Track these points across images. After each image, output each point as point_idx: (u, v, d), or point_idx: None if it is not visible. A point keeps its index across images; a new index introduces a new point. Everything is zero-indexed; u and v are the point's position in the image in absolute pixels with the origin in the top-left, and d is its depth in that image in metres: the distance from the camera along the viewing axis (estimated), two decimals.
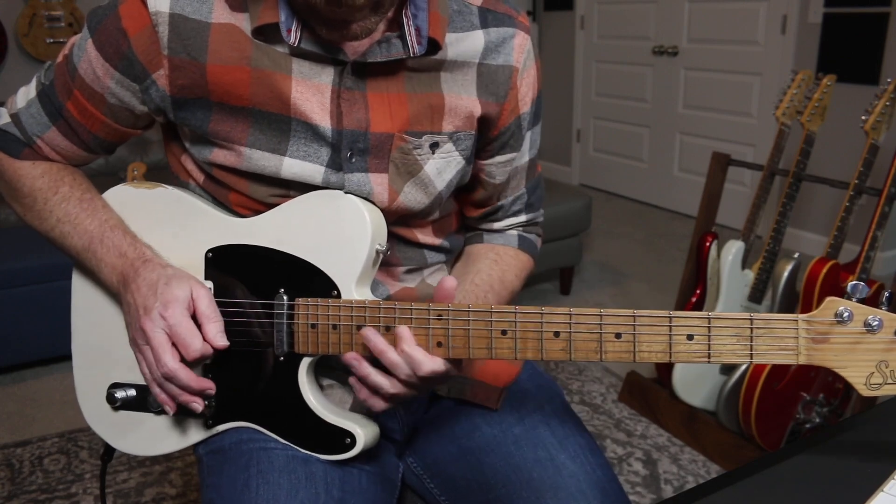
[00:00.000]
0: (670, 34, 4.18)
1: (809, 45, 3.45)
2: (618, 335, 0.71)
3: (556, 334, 0.72)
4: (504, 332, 0.73)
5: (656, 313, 0.70)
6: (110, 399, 0.90)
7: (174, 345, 0.79)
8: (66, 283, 0.95)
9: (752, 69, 3.76)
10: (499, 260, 0.97)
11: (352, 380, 0.80)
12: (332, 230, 0.81)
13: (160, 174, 0.98)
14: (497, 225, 1.01)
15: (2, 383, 2.48)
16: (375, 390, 0.78)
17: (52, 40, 3.63)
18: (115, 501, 1.87)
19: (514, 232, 1.02)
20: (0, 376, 2.51)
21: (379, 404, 0.79)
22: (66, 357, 2.52)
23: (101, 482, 1.05)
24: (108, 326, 0.92)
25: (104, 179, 1.21)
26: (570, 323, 0.72)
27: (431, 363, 0.75)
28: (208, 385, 0.81)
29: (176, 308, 0.78)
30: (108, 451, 1.00)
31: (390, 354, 0.76)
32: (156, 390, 0.83)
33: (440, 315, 0.75)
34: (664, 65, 4.26)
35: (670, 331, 0.70)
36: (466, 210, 1.00)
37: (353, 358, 0.78)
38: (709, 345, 0.69)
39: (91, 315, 0.94)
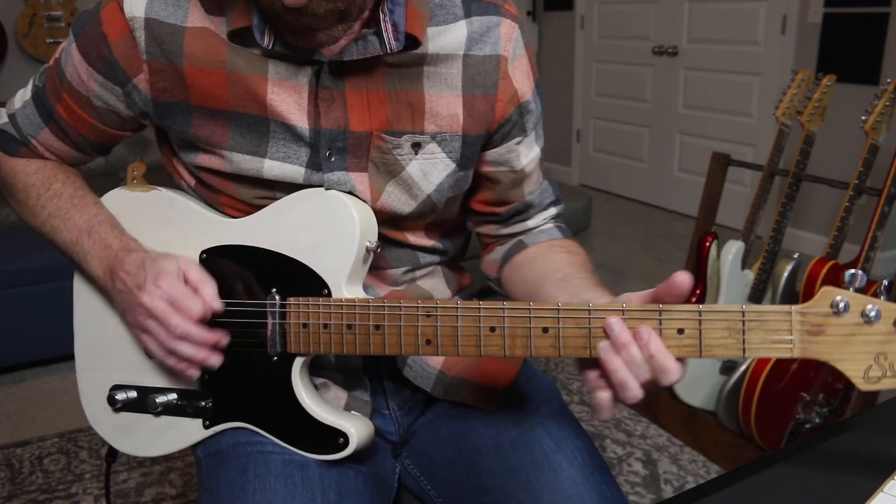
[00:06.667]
0: (670, 34, 4.18)
1: (809, 45, 3.45)
2: None
3: (545, 330, 0.71)
4: (493, 329, 0.72)
5: (647, 307, 0.67)
6: (111, 400, 0.90)
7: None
8: (65, 283, 0.96)
9: (752, 69, 3.76)
10: (570, 251, 0.92)
11: (593, 379, 0.71)
12: (322, 229, 0.81)
13: (160, 174, 0.98)
14: (531, 223, 0.97)
15: (2, 383, 2.48)
16: (621, 389, 0.68)
17: (52, 40, 3.63)
18: (114, 501, 1.86)
19: (550, 225, 0.98)
20: (0, 376, 2.51)
21: (608, 413, 0.70)
22: (66, 357, 2.53)
23: (106, 482, 1.06)
24: (108, 329, 0.92)
25: (104, 179, 1.21)
26: (558, 318, 0.70)
27: (679, 373, 0.67)
28: (221, 336, 0.81)
29: (169, 277, 0.79)
30: (112, 451, 1.00)
31: (633, 350, 0.67)
32: (171, 362, 0.81)
33: (429, 313, 0.74)
34: (664, 65, 4.26)
35: (660, 325, 0.67)
36: (490, 209, 0.95)
37: (607, 349, 0.68)
38: (700, 339, 0.66)
39: (92, 317, 0.94)
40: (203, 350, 0.80)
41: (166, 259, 0.81)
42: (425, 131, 0.84)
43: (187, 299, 0.78)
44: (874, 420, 0.83)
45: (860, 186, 1.86)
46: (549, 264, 0.89)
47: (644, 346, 0.67)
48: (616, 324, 0.68)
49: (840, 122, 2.92)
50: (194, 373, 0.82)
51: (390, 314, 0.76)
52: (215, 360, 0.81)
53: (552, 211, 0.99)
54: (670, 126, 4.31)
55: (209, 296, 0.80)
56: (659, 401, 2.18)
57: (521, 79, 0.87)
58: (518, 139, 0.90)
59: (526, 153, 0.92)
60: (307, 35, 0.77)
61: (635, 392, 0.68)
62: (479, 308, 0.72)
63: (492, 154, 0.90)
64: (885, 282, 0.66)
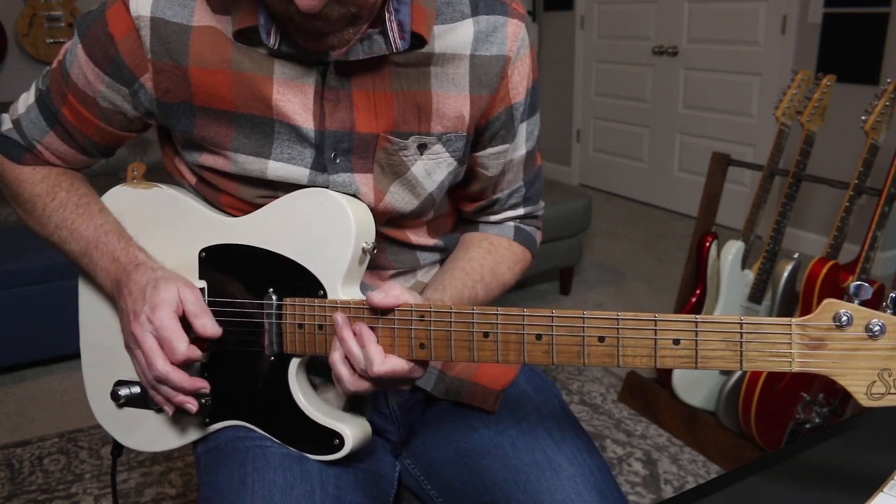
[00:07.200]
0: (670, 34, 4.18)
1: (809, 45, 3.45)
2: (601, 339, 0.68)
3: (539, 337, 0.70)
4: (486, 335, 0.72)
5: (641, 316, 0.66)
6: (114, 396, 0.91)
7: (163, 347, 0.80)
8: (65, 284, 0.96)
9: (752, 69, 3.76)
10: (492, 250, 0.95)
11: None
12: (318, 229, 0.81)
13: (160, 174, 0.98)
14: (494, 218, 0.99)
15: (2, 383, 2.48)
16: (337, 379, 0.78)
17: (52, 40, 3.63)
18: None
19: (512, 224, 1.00)
20: (0, 376, 2.51)
21: (340, 390, 0.79)
22: (66, 357, 2.53)
23: (112, 476, 1.06)
24: (112, 325, 0.92)
25: (104, 179, 1.21)
26: (552, 325, 0.69)
27: (383, 366, 0.74)
28: (201, 385, 0.82)
29: (163, 311, 0.79)
30: (118, 446, 1.01)
31: (350, 343, 0.75)
32: (152, 392, 0.84)
33: (422, 316, 0.74)
34: (664, 65, 4.26)
35: (655, 335, 0.66)
36: (461, 205, 0.99)
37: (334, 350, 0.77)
38: (696, 350, 0.65)
39: (97, 314, 0.95)
40: (179, 396, 0.81)
41: (167, 286, 0.81)
42: (432, 132, 0.84)
43: (174, 339, 0.79)
44: (874, 420, 0.83)
45: (860, 186, 1.86)
46: (461, 253, 0.94)
47: (359, 340, 0.75)
48: (340, 319, 0.76)
49: (840, 122, 2.92)
50: (169, 410, 0.84)
51: (384, 317, 0.75)
52: (191, 406, 0.82)
53: (519, 211, 1.00)
54: (670, 126, 4.31)
55: (202, 327, 0.80)
56: (659, 401, 2.18)
57: (518, 80, 0.87)
58: (505, 145, 0.91)
59: (509, 157, 0.93)
60: (318, 38, 0.76)
61: (347, 380, 0.76)
62: (473, 314, 0.72)
63: (481, 157, 0.91)
64: (893, 294, 0.63)
